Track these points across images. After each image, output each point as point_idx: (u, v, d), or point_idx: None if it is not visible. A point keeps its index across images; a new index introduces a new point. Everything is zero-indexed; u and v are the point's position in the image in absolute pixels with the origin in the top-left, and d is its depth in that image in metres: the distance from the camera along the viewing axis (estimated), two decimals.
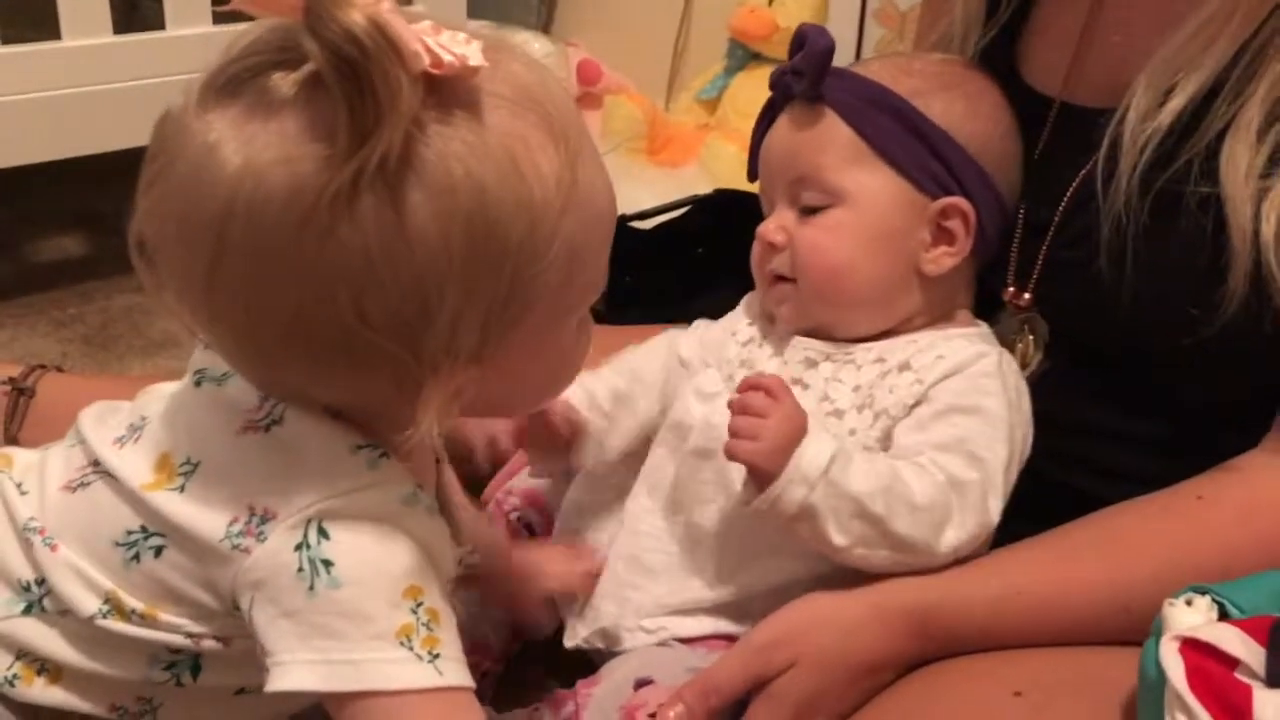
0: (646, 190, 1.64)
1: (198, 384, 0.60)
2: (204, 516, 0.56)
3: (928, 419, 0.74)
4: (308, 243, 0.50)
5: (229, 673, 0.59)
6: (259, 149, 0.50)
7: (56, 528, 0.59)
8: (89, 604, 0.58)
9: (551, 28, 2.32)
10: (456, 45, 0.50)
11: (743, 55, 2.10)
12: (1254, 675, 0.53)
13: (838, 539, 0.69)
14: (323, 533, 0.54)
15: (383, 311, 0.51)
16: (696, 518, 0.78)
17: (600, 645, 0.78)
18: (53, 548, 0.59)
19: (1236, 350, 0.71)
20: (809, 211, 0.79)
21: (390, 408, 0.56)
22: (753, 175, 0.85)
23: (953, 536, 0.70)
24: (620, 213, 1.47)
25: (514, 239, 0.52)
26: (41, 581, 0.59)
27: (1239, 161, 0.70)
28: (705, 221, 1.40)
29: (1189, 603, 0.59)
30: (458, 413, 0.55)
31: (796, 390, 0.76)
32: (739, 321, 0.85)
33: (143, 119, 1.58)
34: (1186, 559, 0.69)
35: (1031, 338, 0.82)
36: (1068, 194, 0.79)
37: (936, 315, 0.80)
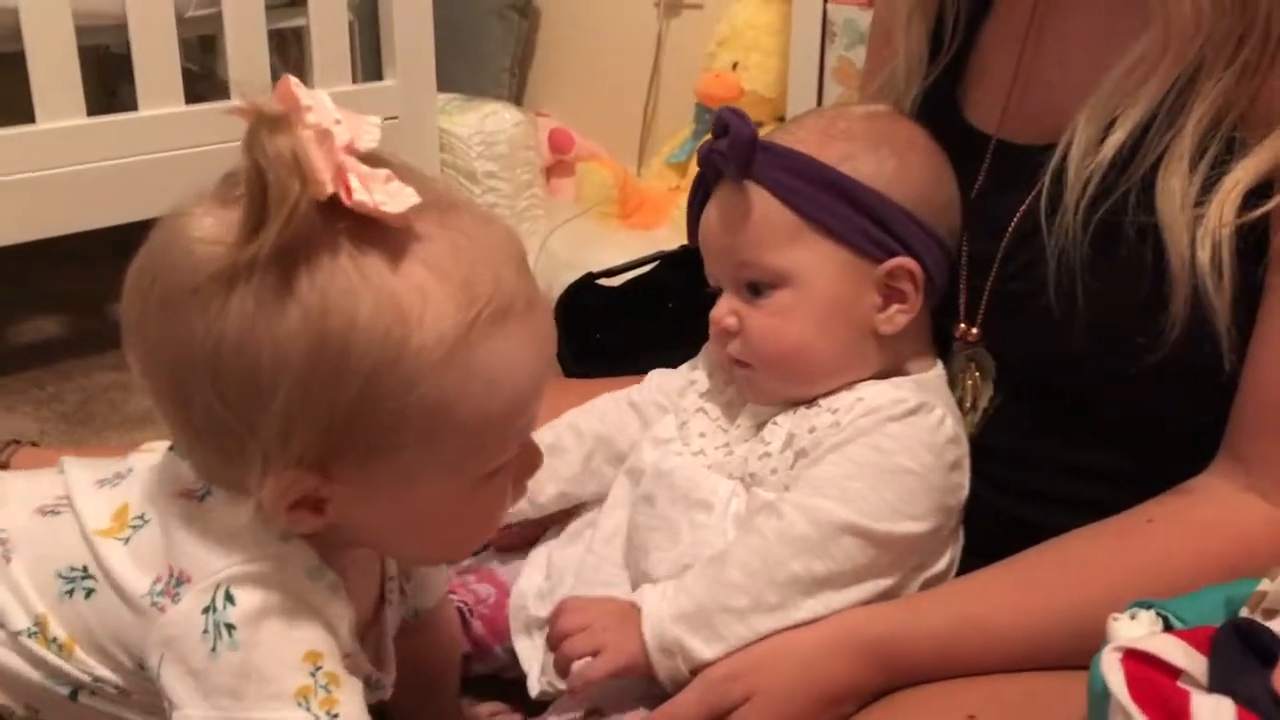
0: (619, 252, 1.67)
1: (171, 447, 0.64)
2: (135, 571, 0.60)
3: (825, 453, 0.75)
4: (191, 315, 0.55)
5: (116, 707, 0.63)
6: (202, 226, 0.57)
7: (18, 543, 0.64)
8: (19, 620, 0.62)
9: (523, 98, 2.36)
10: (387, 193, 0.55)
11: (710, 119, 2.13)
12: (1196, 684, 0.54)
13: (733, 635, 0.70)
14: (229, 598, 0.57)
15: (235, 394, 0.56)
16: (646, 565, 0.78)
17: (561, 687, 0.79)
18: (6, 559, 0.63)
19: (1181, 377, 0.73)
20: (756, 291, 0.78)
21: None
22: (692, 240, 0.86)
23: (820, 568, 0.71)
24: (588, 270, 1.49)
25: (366, 367, 0.55)
26: None
27: (1173, 191, 0.71)
28: (672, 277, 1.42)
29: (1133, 617, 0.60)
30: (307, 518, 0.58)
31: (737, 437, 0.80)
32: (699, 371, 0.87)
33: (118, 198, 1.62)
34: (1139, 581, 0.69)
35: (978, 374, 0.84)
36: (1009, 229, 0.80)
37: (890, 367, 0.80)
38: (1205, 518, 0.72)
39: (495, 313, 0.57)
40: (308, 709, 0.56)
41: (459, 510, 0.62)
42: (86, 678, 0.62)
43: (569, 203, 2.18)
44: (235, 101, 0.57)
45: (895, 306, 0.78)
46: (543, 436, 0.85)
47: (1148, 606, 0.60)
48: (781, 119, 1.98)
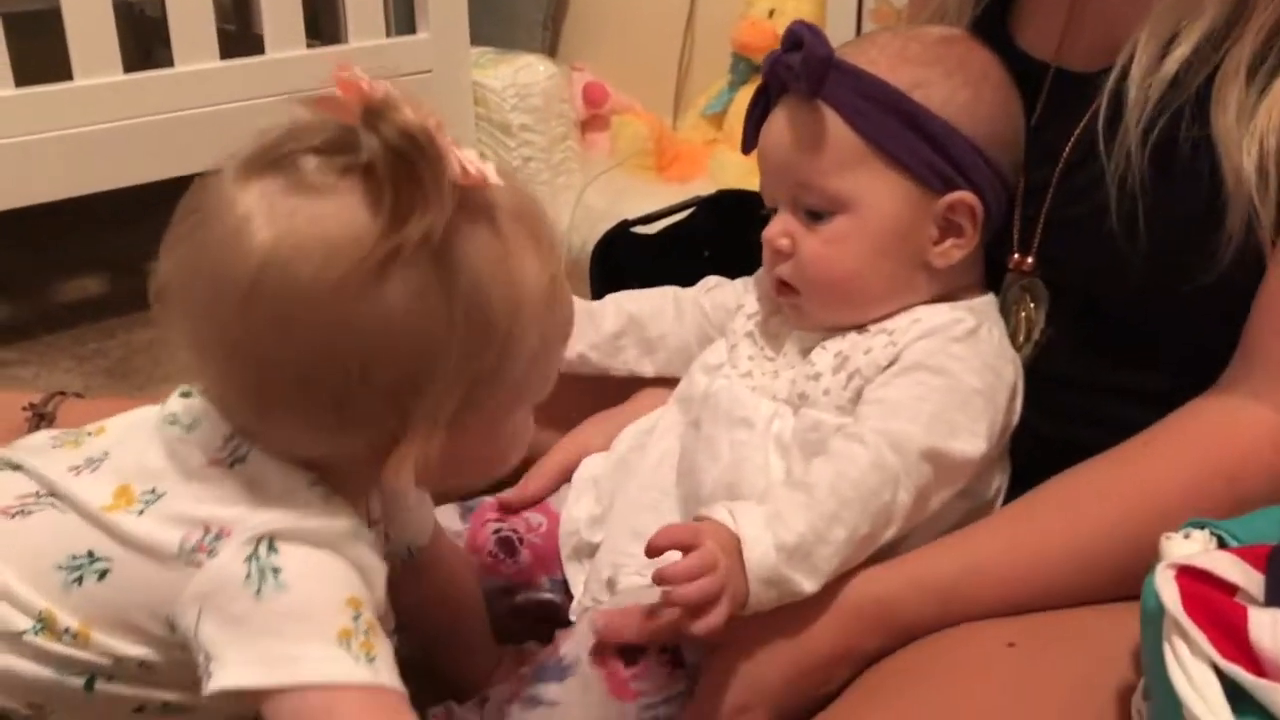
0: (656, 204, 1.64)
1: (170, 424, 0.63)
2: (160, 533, 0.59)
3: (893, 376, 0.73)
4: (336, 307, 0.55)
5: (139, 688, 0.62)
6: (299, 221, 0.56)
7: None
8: (20, 622, 0.61)
9: (556, 51, 2.34)
10: (475, 162, 0.57)
11: (745, 68, 2.11)
12: (1252, 600, 0.53)
13: (816, 585, 0.67)
14: (272, 548, 0.57)
15: (385, 376, 0.56)
16: (694, 486, 0.78)
17: (603, 600, 0.79)
18: None
19: (1235, 296, 0.71)
20: (813, 216, 0.77)
21: (356, 467, 0.61)
22: (746, 149, 0.84)
23: (904, 497, 0.69)
24: (623, 219, 1.48)
25: (502, 328, 0.58)
26: None
27: (1229, 103, 0.70)
28: (710, 224, 1.41)
29: (1186, 536, 0.58)
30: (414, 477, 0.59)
31: (784, 364, 0.78)
32: (748, 295, 0.86)
33: (154, 154, 1.62)
34: (1136, 505, 0.69)
35: (1032, 304, 0.83)
36: (1064, 155, 0.79)
37: (940, 296, 0.79)
38: (1203, 430, 0.71)
39: (556, 252, 0.62)
40: (348, 650, 0.56)
41: (517, 433, 0.65)
42: (106, 661, 0.61)
43: (604, 157, 2.17)
44: (326, 92, 0.58)
45: (951, 241, 0.77)
46: (586, 304, 0.87)
47: (1201, 526, 0.59)
48: None
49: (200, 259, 0.57)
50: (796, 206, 0.78)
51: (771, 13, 2.04)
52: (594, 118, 2.25)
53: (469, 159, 0.56)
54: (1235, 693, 0.49)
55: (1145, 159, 0.72)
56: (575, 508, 0.86)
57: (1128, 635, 0.61)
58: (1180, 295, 0.72)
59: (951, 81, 0.77)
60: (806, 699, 0.69)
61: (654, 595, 0.69)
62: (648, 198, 1.91)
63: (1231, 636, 0.50)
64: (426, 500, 0.76)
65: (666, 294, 0.91)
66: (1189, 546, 0.57)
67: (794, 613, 0.68)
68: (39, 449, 0.67)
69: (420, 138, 0.54)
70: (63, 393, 1.05)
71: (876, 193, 0.76)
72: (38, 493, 0.64)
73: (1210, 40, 0.71)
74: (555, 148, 2.11)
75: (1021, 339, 0.82)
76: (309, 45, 1.74)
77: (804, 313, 0.79)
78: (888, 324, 0.77)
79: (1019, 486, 0.76)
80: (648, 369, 0.91)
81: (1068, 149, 0.78)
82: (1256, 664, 0.50)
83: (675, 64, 2.27)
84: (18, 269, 1.80)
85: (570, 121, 2.15)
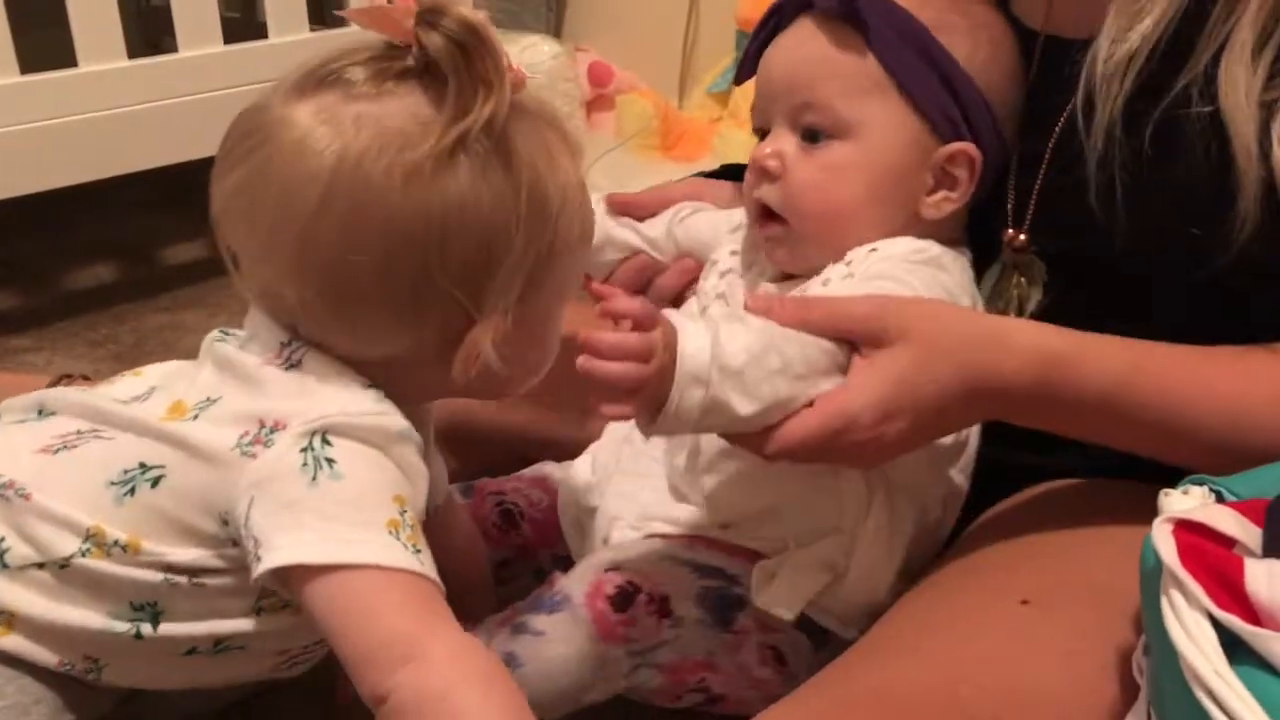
0: (661, 183, 1.65)
1: (221, 341, 0.65)
2: (217, 433, 0.61)
3: (847, 288, 0.71)
4: (409, 194, 0.58)
5: (188, 622, 0.63)
6: (364, 122, 0.59)
7: (32, 481, 0.63)
8: (66, 545, 0.62)
9: (561, 31, 2.34)
10: (516, 66, 0.61)
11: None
12: (1250, 553, 0.53)
13: (747, 409, 0.62)
14: (326, 441, 0.59)
15: (459, 257, 0.59)
16: (671, 450, 0.79)
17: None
18: (26, 497, 0.63)
19: (1253, 274, 0.70)
20: (811, 138, 0.74)
21: (418, 368, 0.63)
22: (740, 78, 0.83)
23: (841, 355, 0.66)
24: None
25: (553, 211, 0.62)
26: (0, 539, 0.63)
27: (1237, 81, 0.69)
28: None
29: (1185, 492, 0.59)
30: (477, 370, 0.62)
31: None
32: (723, 247, 0.84)
33: (159, 139, 1.62)
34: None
35: (1024, 279, 0.82)
36: (1057, 126, 0.78)
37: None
38: None
39: (579, 152, 0.65)
40: (397, 538, 0.58)
41: (558, 332, 0.67)
42: (157, 576, 0.62)
43: (610, 137, 2.16)
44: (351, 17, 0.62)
45: (944, 193, 0.76)
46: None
47: (1200, 482, 0.59)
48: None
49: (265, 175, 0.60)
50: (795, 126, 0.75)
51: None
52: (599, 97, 2.25)
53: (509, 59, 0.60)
54: (1232, 642, 0.50)
55: (1146, 138, 0.71)
56: (573, 479, 0.86)
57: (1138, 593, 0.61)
58: (1185, 275, 0.71)
59: (975, 37, 0.76)
60: (950, 429, 0.69)
61: (648, 546, 0.70)
62: (653, 177, 1.89)
63: (1228, 588, 0.51)
64: (439, 458, 0.77)
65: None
66: (1187, 502, 0.57)
67: (983, 328, 0.68)
68: (71, 394, 0.68)
69: (480, 29, 0.57)
70: (70, 375, 1.06)
71: (885, 124, 0.74)
72: (79, 430, 0.65)
73: (1214, 16, 0.70)
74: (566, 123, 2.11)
75: (1013, 315, 0.81)
76: (312, 29, 1.74)
77: (791, 252, 0.77)
78: (849, 255, 0.75)
79: (1001, 446, 0.76)
80: None
81: (1060, 122, 0.78)
82: (1253, 614, 0.50)
83: (680, 42, 2.27)
84: (29, 255, 1.81)
85: (575, 101, 2.14)
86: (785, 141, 0.75)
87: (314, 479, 0.57)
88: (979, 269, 0.83)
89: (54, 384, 1.04)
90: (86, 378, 1.08)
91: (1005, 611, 0.66)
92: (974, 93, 0.75)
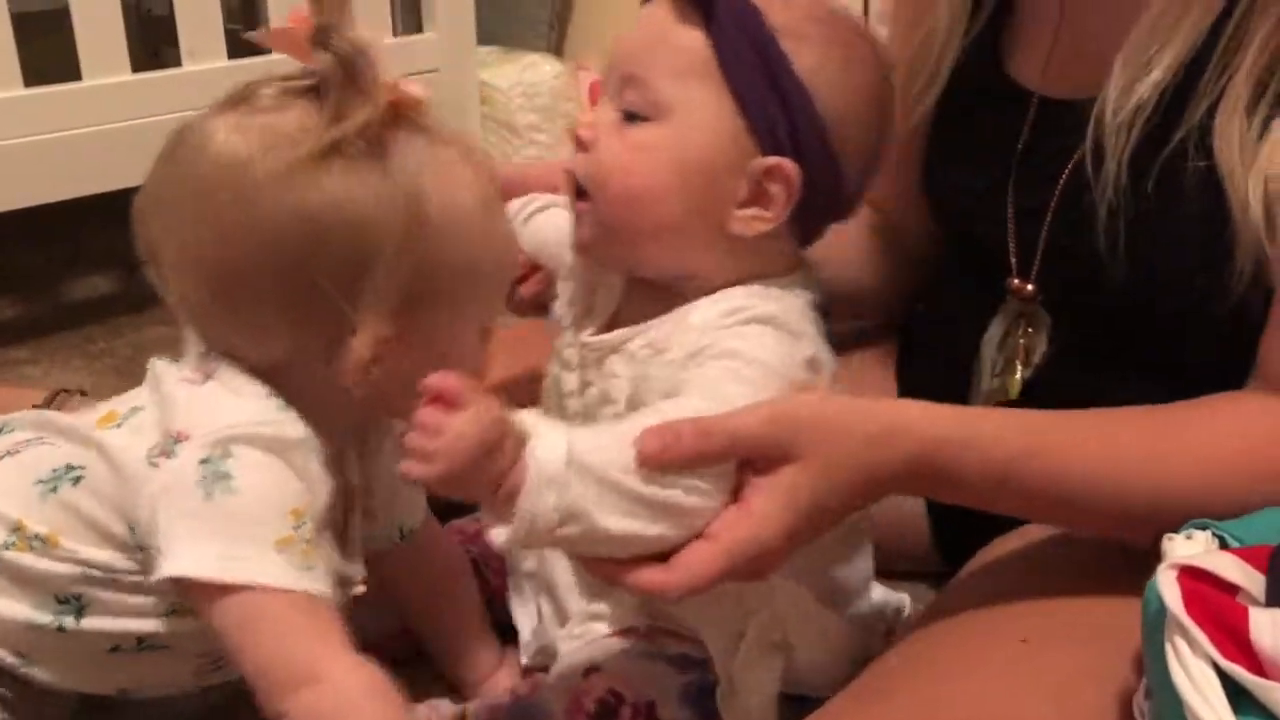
0: None
1: (159, 358, 0.70)
2: (132, 442, 0.65)
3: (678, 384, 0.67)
4: (288, 191, 0.62)
5: (109, 618, 0.67)
6: (263, 129, 0.64)
7: None
8: None
9: (563, 50, 2.34)
10: (413, 85, 0.66)
11: None
12: (1254, 601, 0.53)
13: (614, 524, 0.58)
14: (226, 453, 0.61)
15: (335, 256, 0.63)
16: None
17: (546, 662, 0.79)
18: None
19: (1248, 321, 0.71)
20: (629, 117, 0.70)
21: (315, 374, 0.66)
22: None
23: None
24: None
25: (436, 223, 0.65)
26: None
27: (1231, 135, 0.69)
28: None
29: (1189, 537, 0.59)
30: (371, 380, 0.65)
31: (589, 389, 0.73)
32: (563, 285, 0.79)
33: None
34: (1209, 453, 0.67)
35: (1031, 330, 0.82)
36: (1061, 181, 0.78)
37: (745, 277, 0.72)
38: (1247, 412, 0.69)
39: (495, 190, 0.69)
40: (287, 556, 0.60)
41: (464, 356, 0.68)
42: (75, 571, 0.65)
43: None
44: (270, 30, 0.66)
45: (757, 209, 0.70)
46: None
47: (1204, 527, 0.60)
48: None
49: (170, 177, 0.66)
50: (619, 102, 0.71)
51: None
52: None
53: (408, 82, 0.66)
54: (1236, 692, 0.50)
55: (1149, 189, 0.72)
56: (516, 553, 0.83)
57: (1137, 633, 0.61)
58: (1187, 320, 0.72)
59: (827, 53, 0.70)
60: (828, 521, 0.65)
61: (618, 644, 0.70)
62: None
63: (1232, 636, 0.51)
64: (413, 488, 0.78)
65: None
66: (1191, 547, 0.58)
67: (866, 430, 0.64)
68: (30, 414, 0.74)
69: (361, 47, 0.62)
70: (66, 390, 1.06)
71: (703, 113, 0.69)
72: (28, 439, 0.70)
73: (1208, 71, 0.71)
74: (562, 146, 2.11)
75: (1019, 365, 0.82)
76: None
77: (591, 231, 0.72)
78: (668, 337, 0.70)
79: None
80: None
81: (1064, 176, 0.78)
82: (1257, 664, 0.50)
83: None
84: (28, 266, 1.81)
85: (577, 120, 2.15)
86: (605, 114, 0.71)
87: (209, 493, 0.60)
88: (979, 318, 0.83)
89: (50, 399, 1.04)
90: (84, 392, 1.08)
91: (1002, 650, 0.66)
92: (807, 107, 0.69)
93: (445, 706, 0.79)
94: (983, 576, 0.76)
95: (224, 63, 1.62)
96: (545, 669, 0.79)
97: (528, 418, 0.59)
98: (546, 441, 0.58)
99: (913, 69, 0.88)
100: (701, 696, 0.73)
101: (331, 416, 0.67)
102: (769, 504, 0.61)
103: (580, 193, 0.73)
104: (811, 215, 0.72)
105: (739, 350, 0.66)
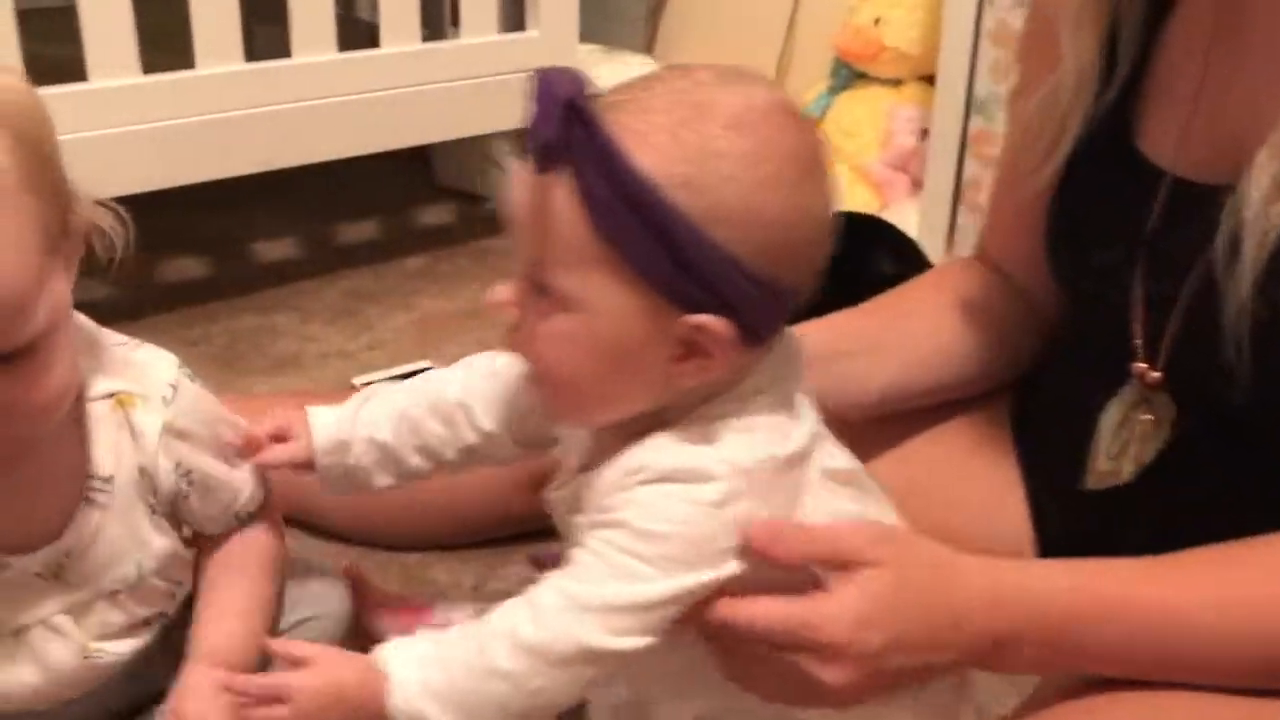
0: None
1: None
2: None
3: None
4: None
5: None
6: None
7: None
8: None
9: (655, 49, 2.33)
10: None
11: (847, 75, 2.09)
12: None
13: (503, 687, 0.63)
14: None
15: None
16: None
17: None
18: None
19: None
20: (542, 294, 0.65)
21: None
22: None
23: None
24: None
25: None
26: None
27: None
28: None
29: None
30: None
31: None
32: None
33: (270, 144, 1.65)
34: None
35: (1151, 418, 0.79)
36: (1191, 274, 0.74)
37: (704, 398, 0.67)
38: None
39: None
40: None
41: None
42: None
43: None
44: None
45: (699, 360, 0.64)
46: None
47: None
48: (927, 79, 1.93)
49: None
50: (529, 271, 0.66)
51: (877, 21, 2.01)
52: None
53: None
54: None
55: (1265, 285, 0.68)
56: None
57: None
58: None
59: (725, 182, 0.61)
60: (885, 682, 0.65)
61: None
62: None
63: None
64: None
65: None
66: None
67: (953, 563, 0.67)
68: None
69: None
70: None
71: (609, 300, 0.63)
72: None
73: None
74: None
75: (1133, 452, 0.79)
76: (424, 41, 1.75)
77: (545, 408, 0.71)
78: (607, 500, 0.67)
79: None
80: None
81: (1197, 270, 0.73)
82: None
83: (774, 64, 2.25)
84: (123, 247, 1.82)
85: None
86: (525, 291, 0.67)
87: None
88: (1098, 394, 0.80)
89: None
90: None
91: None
92: (716, 257, 0.61)
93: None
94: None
95: (332, 55, 1.63)
96: None
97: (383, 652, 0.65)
98: (399, 689, 0.63)
99: (1039, 122, 0.84)
100: None
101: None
102: (839, 583, 0.64)
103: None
104: (762, 329, 0.66)
105: (627, 521, 0.64)
